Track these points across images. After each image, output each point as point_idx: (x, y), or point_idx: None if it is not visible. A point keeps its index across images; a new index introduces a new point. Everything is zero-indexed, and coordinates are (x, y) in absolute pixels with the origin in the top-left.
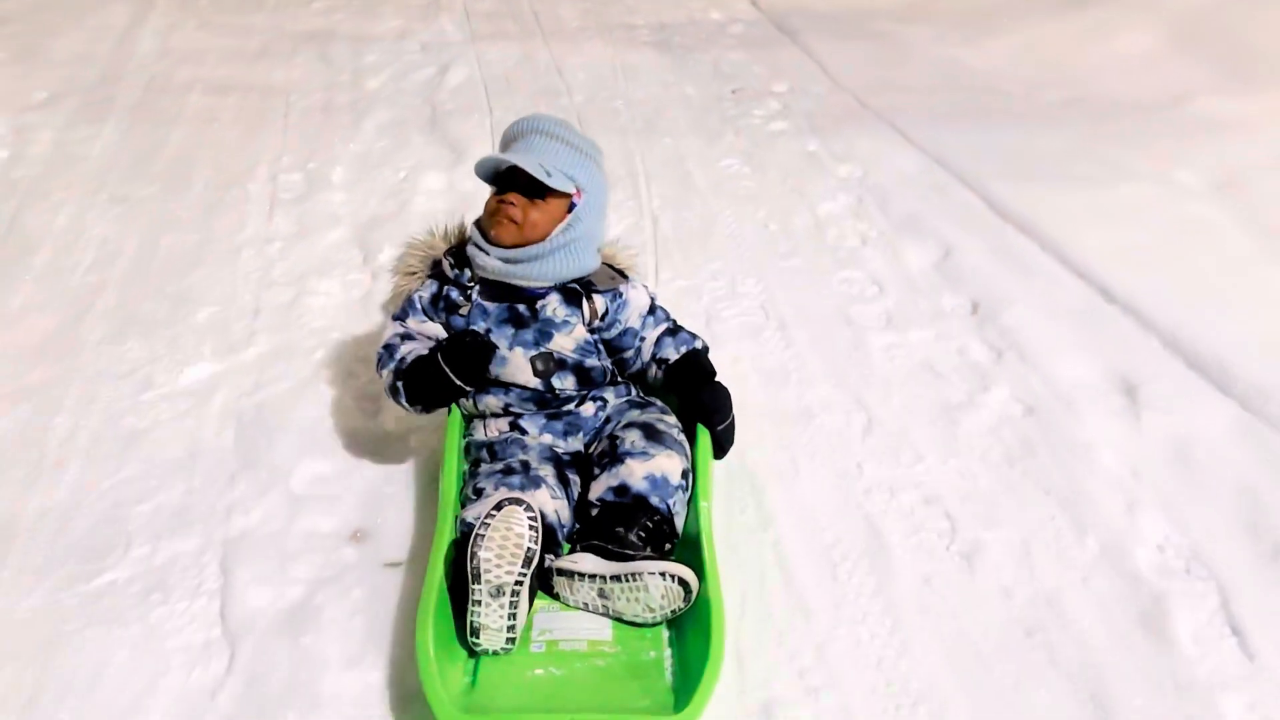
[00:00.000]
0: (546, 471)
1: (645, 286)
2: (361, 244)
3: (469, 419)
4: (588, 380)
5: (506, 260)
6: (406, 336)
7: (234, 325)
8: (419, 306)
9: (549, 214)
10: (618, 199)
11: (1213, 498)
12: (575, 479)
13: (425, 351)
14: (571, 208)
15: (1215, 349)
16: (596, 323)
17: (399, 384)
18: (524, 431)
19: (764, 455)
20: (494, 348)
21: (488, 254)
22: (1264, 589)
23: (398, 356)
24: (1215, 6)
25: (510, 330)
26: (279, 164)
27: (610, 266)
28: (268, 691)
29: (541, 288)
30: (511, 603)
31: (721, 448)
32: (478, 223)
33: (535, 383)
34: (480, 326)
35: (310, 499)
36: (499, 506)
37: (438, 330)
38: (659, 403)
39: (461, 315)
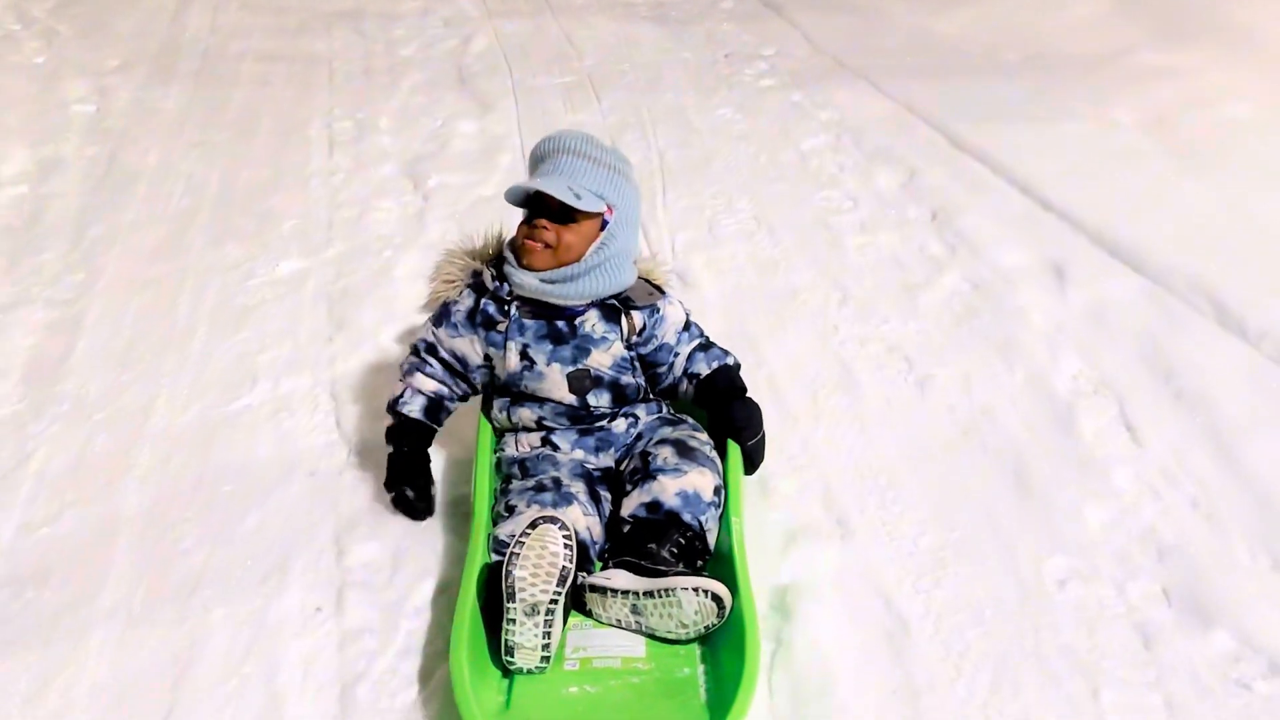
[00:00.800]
0: (578, 488)
1: (680, 303)
2: (410, 175)
3: (500, 433)
4: (622, 397)
5: (544, 280)
6: (430, 351)
7: (313, 233)
8: (454, 319)
9: (582, 234)
10: (629, 140)
11: (1119, 343)
12: (606, 495)
13: (432, 391)
14: (604, 225)
15: (1133, 241)
16: (634, 338)
17: (388, 427)
18: (556, 447)
19: (758, 321)
20: (424, 513)
21: (524, 276)
22: (1155, 402)
23: (410, 391)
24: None
25: (549, 346)
26: (331, 115)
27: (646, 281)
28: (381, 470)
29: (580, 305)
30: (546, 621)
31: (753, 463)
32: (511, 243)
33: (570, 399)
34: (518, 342)
35: (392, 349)
36: (533, 525)
37: (466, 347)
38: (690, 420)
39: (499, 331)
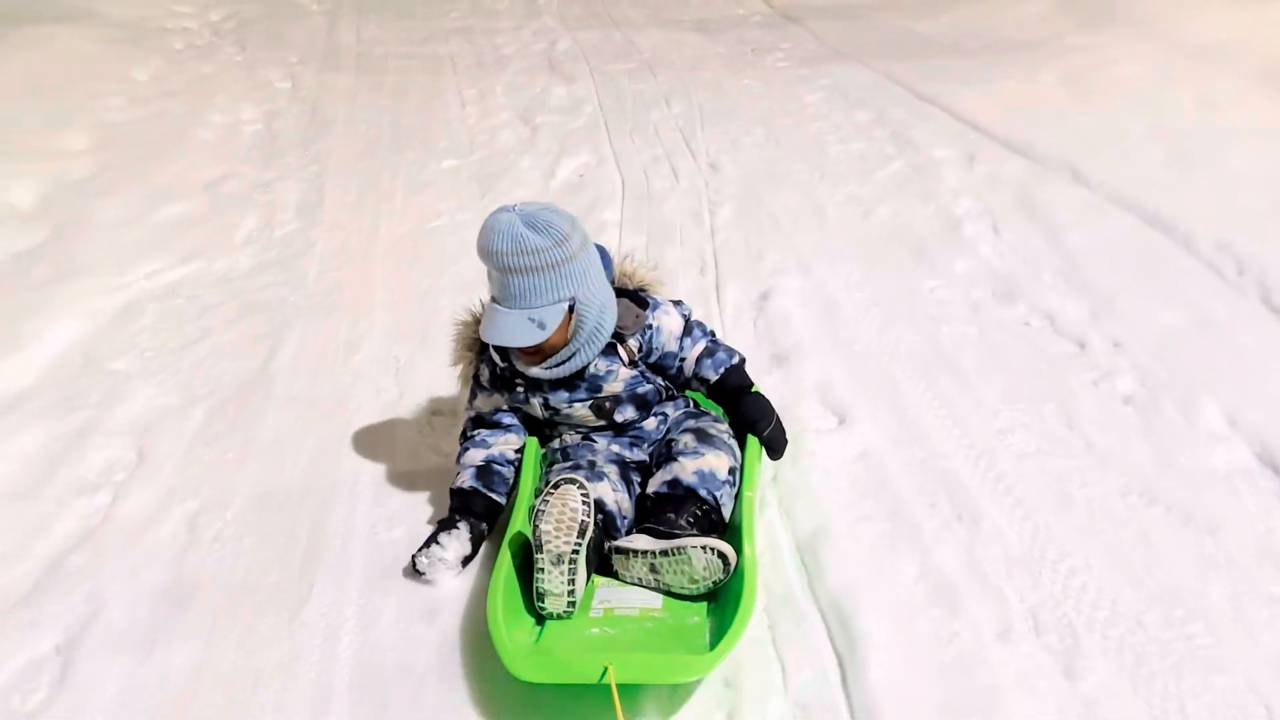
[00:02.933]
0: (611, 470)
1: (674, 305)
2: (522, 118)
3: (546, 440)
4: (645, 404)
5: (544, 370)
6: (475, 420)
7: (461, 147)
8: (484, 384)
9: (559, 330)
10: (675, 101)
11: (1000, 192)
12: (638, 480)
13: (481, 460)
14: (572, 308)
15: (1027, 141)
16: (634, 358)
17: (452, 488)
18: (594, 440)
19: (763, 186)
20: (471, 546)
21: (523, 364)
22: (1016, 219)
23: (466, 458)
24: None
25: (564, 393)
26: (459, 88)
27: (630, 295)
28: None
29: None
30: (570, 569)
31: (775, 449)
32: None
33: (600, 423)
34: (538, 397)
35: (522, 196)
36: (555, 485)
37: (502, 402)
38: (712, 413)
39: (519, 388)
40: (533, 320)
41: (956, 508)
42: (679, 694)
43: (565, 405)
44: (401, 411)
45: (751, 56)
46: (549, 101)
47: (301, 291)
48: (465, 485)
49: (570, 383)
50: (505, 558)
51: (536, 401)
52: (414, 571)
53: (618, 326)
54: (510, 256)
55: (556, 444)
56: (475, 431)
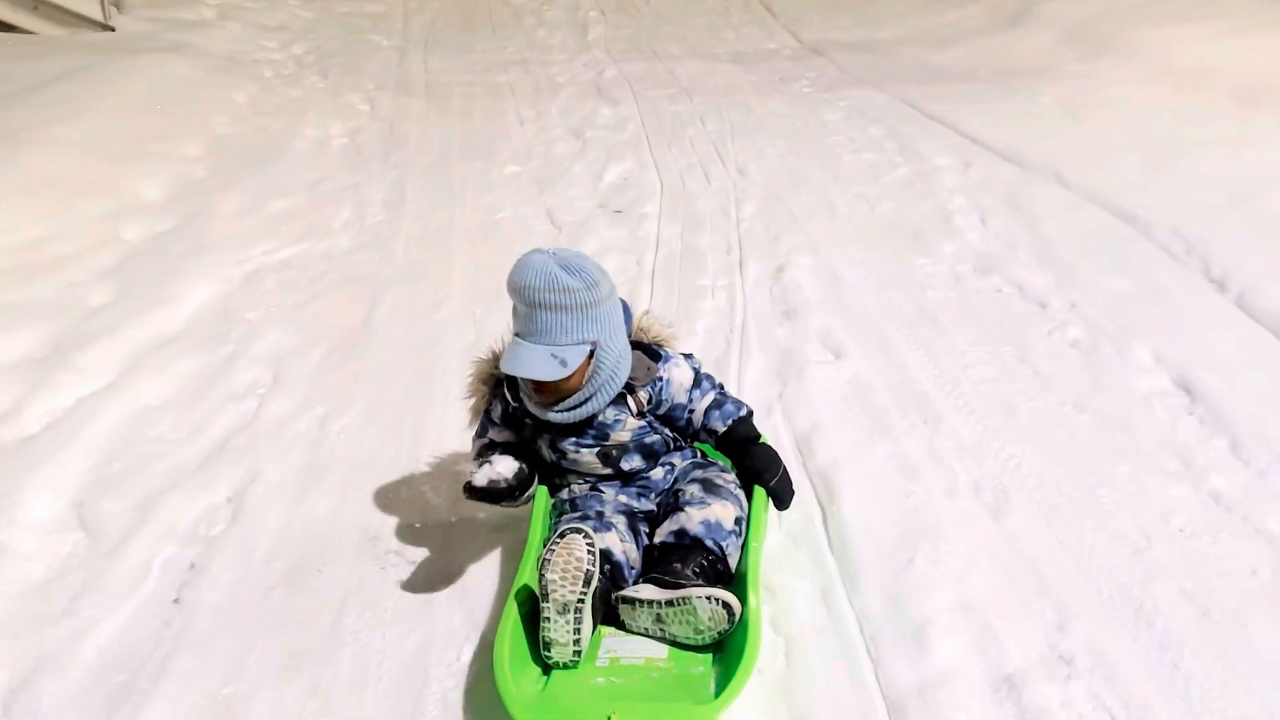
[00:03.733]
0: (619, 520)
1: (686, 358)
2: (574, 133)
3: (555, 489)
4: (652, 454)
5: (557, 413)
6: (488, 448)
7: (520, 156)
8: (495, 419)
9: (577, 371)
10: (709, 119)
11: (991, 193)
12: (645, 530)
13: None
14: (593, 353)
15: (1022, 153)
16: (644, 409)
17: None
18: (603, 491)
19: (782, 186)
20: (506, 488)
21: (536, 406)
22: (1002, 212)
23: (477, 473)
24: (1092, 18)
25: (572, 439)
26: (518, 109)
27: (644, 348)
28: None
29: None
30: (576, 619)
31: (781, 500)
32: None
33: (606, 471)
34: (546, 439)
35: (575, 196)
36: (561, 535)
37: (511, 436)
38: (719, 463)
39: (528, 429)
40: (555, 357)
41: (923, 414)
42: None
43: (572, 450)
44: (480, 351)
45: (779, 84)
46: (597, 120)
47: (392, 266)
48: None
49: (578, 429)
50: (512, 607)
51: (544, 444)
52: (472, 491)
53: (630, 378)
54: (541, 292)
55: (565, 494)
56: (486, 455)
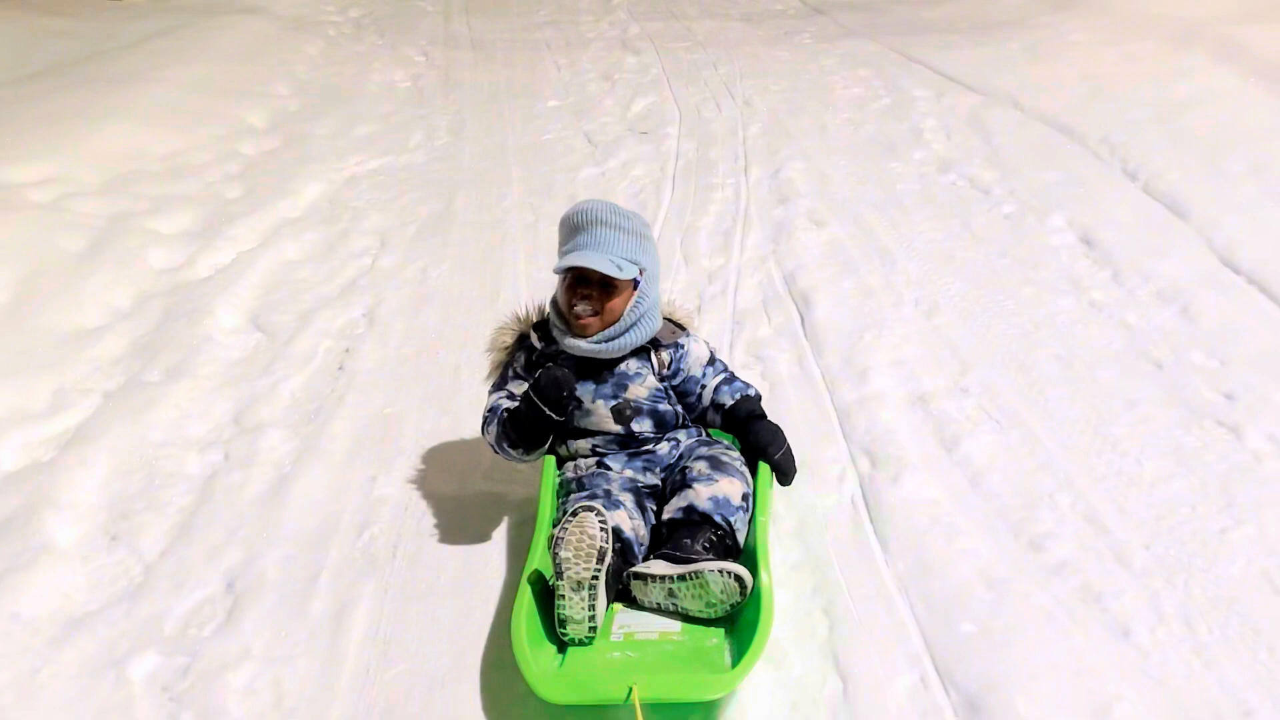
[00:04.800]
0: (626, 498)
1: (705, 341)
2: (604, 77)
3: (561, 462)
4: (662, 423)
5: (593, 342)
6: (506, 398)
7: (559, 94)
8: (518, 371)
9: (621, 297)
10: (721, 67)
11: (957, 116)
12: (652, 507)
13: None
14: (636, 284)
15: (985, 83)
16: (664, 372)
17: (503, 431)
18: (608, 467)
19: (785, 112)
20: (572, 380)
21: (573, 338)
22: (967, 133)
23: (499, 413)
24: None
25: (591, 386)
26: (554, 59)
27: (670, 321)
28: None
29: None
30: (590, 595)
31: (784, 474)
32: (556, 309)
33: (617, 428)
34: (566, 370)
35: (606, 119)
36: (574, 514)
37: None
38: (724, 442)
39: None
40: (613, 261)
41: (882, 260)
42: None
43: (589, 399)
44: (539, 230)
45: (784, 37)
46: (623, 66)
47: (461, 173)
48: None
49: (599, 375)
50: (526, 585)
51: (566, 371)
52: (542, 383)
53: (657, 338)
54: (603, 213)
55: (571, 473)
56: (503, 405)
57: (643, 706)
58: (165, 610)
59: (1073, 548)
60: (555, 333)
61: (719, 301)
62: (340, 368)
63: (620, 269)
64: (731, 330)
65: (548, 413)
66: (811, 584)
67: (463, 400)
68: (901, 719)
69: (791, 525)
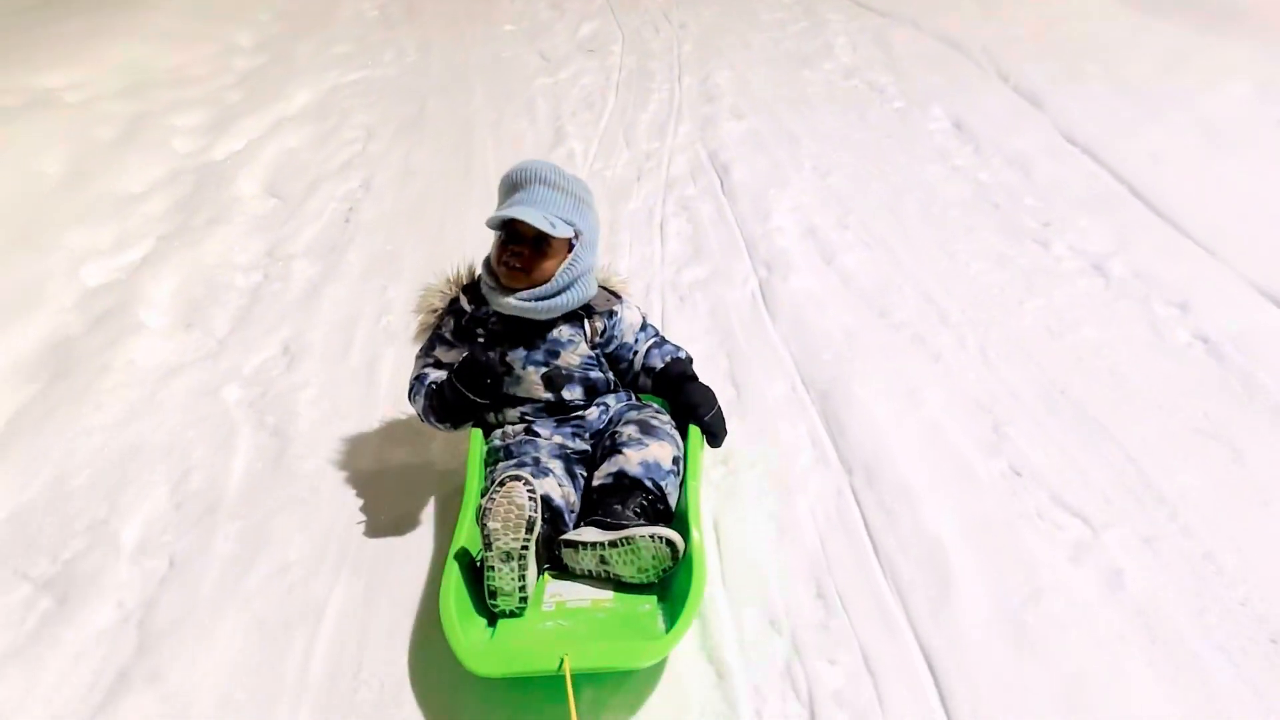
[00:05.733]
0: (555, 465)
1: (637, 307)
2: (553, 6)
3: (489, 429)
4: (593, 390)
5: (522, 299)
6: (433, 367)
7: (513, 20)
8: (445, 335)
9: (553, 257)
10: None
11: (864, 34)
12: (582, 473)
13: (444, 376)
14: (571, 248)
15: (889, 10)
16: (597, 339)
17: (429, 405)
18: (536, 434)
19: (715, 35)
20: (497, 367)
21: (504, 296)
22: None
23: (426, 385)
24: None
25: (522, 352)
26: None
27: (605, 289)
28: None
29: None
30: (520, 565)
31: (715, 436)
32: (488, 268)
33: (547, 395)
34: (496, 351)
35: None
36: (501, 483)
37: (460, 356)
38: (654, 405)
39: (480, 342)
40: (547, 219)
41: (790, 143)
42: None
43: (520, 365)
44: (502, 125)
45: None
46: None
47: (430, 84)
48: (443, 378)
49: (531, 341)
50: (453, 559)
51: (494, 356)
52: (468, 364)
53: (592, 304)
54: (544, 171)
55: (499, 440)
56: (432, 373)
57: (576, 675)
58: (240, 363)
59: (908, 313)
60: (485, 290)
61: (655, 173)
62: (346, 220)
63: (554, 226)
64: (664, 190)
65: (472, 398)
66: (719, 341)
67: (446, 242)
68: (776, 408)
69: (706, 310)
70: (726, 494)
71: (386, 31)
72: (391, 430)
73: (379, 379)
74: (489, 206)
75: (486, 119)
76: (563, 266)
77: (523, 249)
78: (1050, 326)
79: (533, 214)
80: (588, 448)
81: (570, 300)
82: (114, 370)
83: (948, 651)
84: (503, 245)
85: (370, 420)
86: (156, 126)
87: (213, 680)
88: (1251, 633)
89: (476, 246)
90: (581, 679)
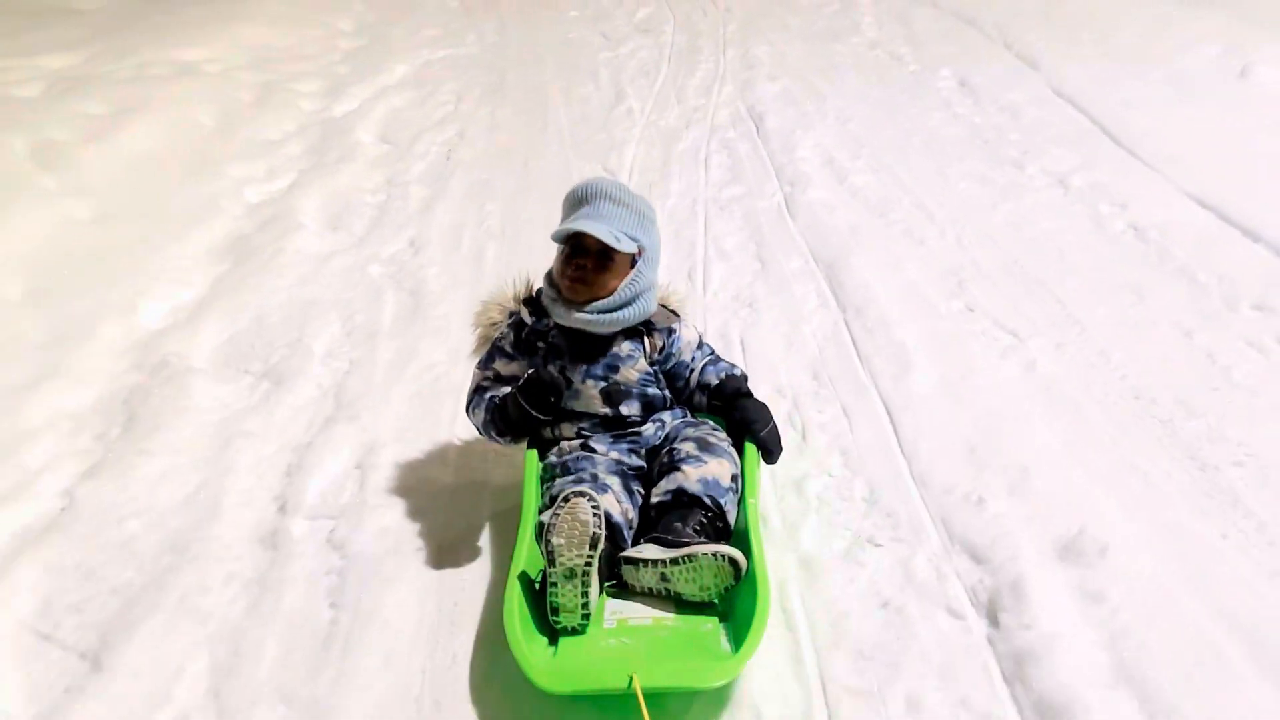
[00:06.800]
0: (613, 481)
1: (694, 326)
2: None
3: (544, 444)
4: (650, 406)
5: (584, 313)
6: (493, 380)
7: (578, 6)
8: (505, 349)
9: (616, 272)
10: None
11: (890, 12)
12: (639, 489)
13: (507, 391)
14: (634, 264)
15: (967, 9)
16: (655, 356)
17: (489, 419)
18: (593, 450)
19: (757, 17)
20: (562, 385)
21: (567, 309)
22: (892, 23)
23: (487, 399)
24: None
25: (583, 366)
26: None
27: (664, 307)
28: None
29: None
30: (584, 582)
31: (770, 452)
32: (550, 282)
33: (605, 410)
34: (556, 365)
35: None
36: (565, 499)
37: (521, 369)
38: (710, 422)
39: (539, 356)
40: (612, 234)
41: (816, 99)
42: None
43: (579, 379)
44: (570, 92)
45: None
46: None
47: (508, 60)
48: (505, 392)
49: (591, 356)
50: (516, 575)
51: (554, 370)
52: (532, 383)
53: (651, 321)
54: (609, 188)
55: (555, 457)
56: (492, 387)
57: (644, 694)
58: (379, 251)
59: (902, 215)
60: (548, 303)
61: (701, 122)
62: (447, 158)
63: (618, 241)
64: (709, 134)
65: (534, 414)
66: (750, 234)
67: (529, 175)
68: (792, 275)
69: (741, 215)
70: (751, 324)
71: (467, 18)
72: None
73: (485, 263)
74: (563, 151)
75: (558, 86)
76: (625, 281)
77: (586, 262)
78: (1015, 223)
79: (599, 228)
80: (643, 464)
81: (632, 315)
82: (285, 254)
83: (901, 404)
84: (566, 258)
85: (483, 282)
86: (284, 91)
87: (390, 423)
88: (1122, 392)
89: (554, 182)
90: (649, 697)
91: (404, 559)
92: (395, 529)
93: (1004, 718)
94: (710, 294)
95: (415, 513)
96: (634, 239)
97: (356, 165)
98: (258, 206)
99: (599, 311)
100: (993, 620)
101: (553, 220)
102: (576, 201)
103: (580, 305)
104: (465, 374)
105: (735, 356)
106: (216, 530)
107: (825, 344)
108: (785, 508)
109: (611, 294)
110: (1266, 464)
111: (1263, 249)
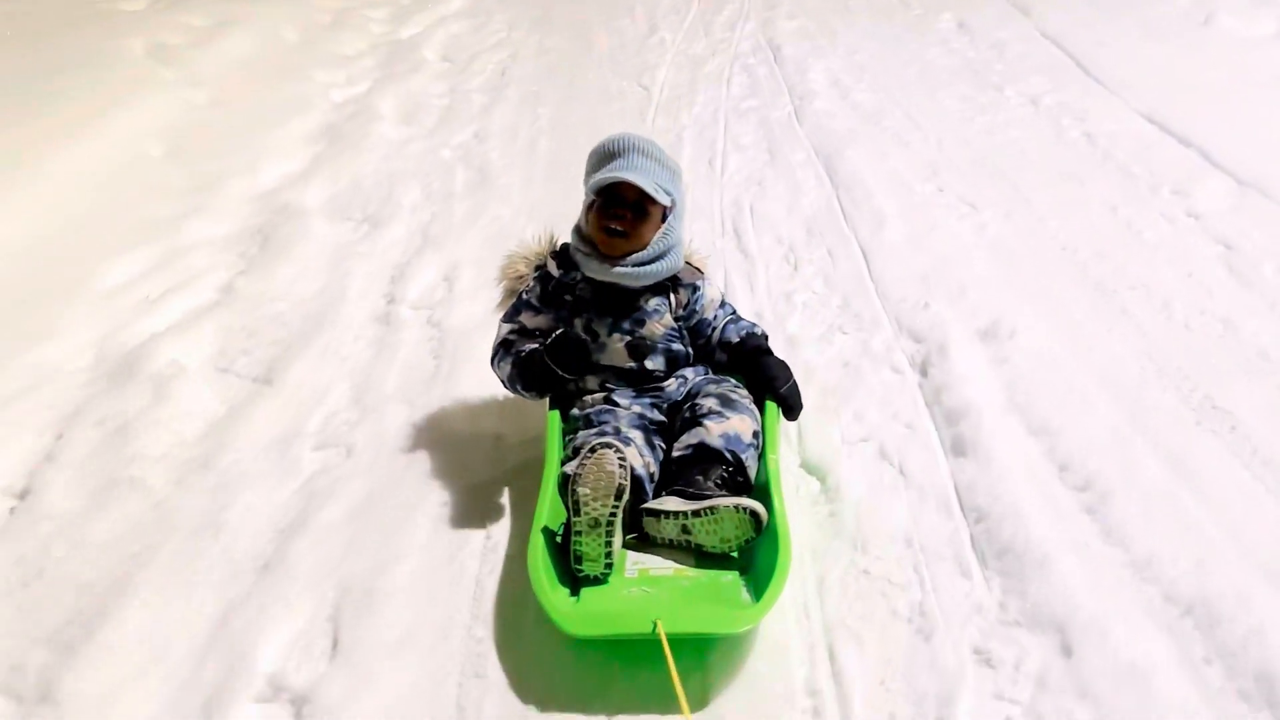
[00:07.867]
0: (636, 435)
1: (716, 285)
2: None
3: (568, 397)
4: (674, 362)
5: (618, 266)
6: (518, 333)
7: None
8: (532, 301)
9: (650, 224)
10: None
11: None
12: (661, 444)
13: (533, 347)
14: (664, 217)
15: None
16: (680, 311)
17: (515, 373)
18: (616, 403)
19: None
20: (587, 344)
21: (600, 263)
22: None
23: (512, 353)
24: None
25: (609, 319)
26: None
27: (688, 264)
28: None
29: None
30: (608, 532)
31: (791, 409)
32: (579, 234)
33: (630, 364)
34: (583, 318)
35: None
36: (592, 450)
37: (545, 323)
38: (732, 379)
39: (567, 305)
40: (652, 184)
41: (830, 35)
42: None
43: (606, 334)
44: (611, 25)
45: None
46: None
47: (553, 22)
48: (531, 347)
49: (619, 310)
50: (539, 525)
51: (580, 323)
52: (561, 341)
53: (678, 276)
54: (643, 143)
55: (577, 410)
56: (517, 341)
57: (668, 639)
58: (448, 140)
59: (893, 123)
60: (579, 257)
61: (725, 50)
62: (502, 74)
63: (657, 191)
64: (732, 60)
65: (560, 373)
66: (763, 135)
67: (574, 87)
68: (795, 164)
69: (756, 121)
70: (759, 196)
71: None
72: (550, 172)
73: (538, 152)
74: (605, 72)
75: (598, 19)
76: (659, 235)
77: (624, 212)
78: (988, 131)
79: (639, 178)
80: (665, 419)
81: (663, 269)
82: (370, 138)
83: (875, 248)
84: (601, 210)
85: (538, 166)
86: (356, 15)
87: (468, 252)
88: (1051, 246)
89: (595, 95)
90: (672, 643)
91: (484, 332)
92: (477, 315)
93: (921, 422)
94: (727, 176)
95: (489, 308)
96: (668, 192)
97: (423, 76)
98: (342, 104)
99: (634, 264)
100: (923, 373)
101: (596, 122)
102: (608, 155)
103: (616, 259)
104: (524, 226)
105: (745, 221)
106: (344, 311)
107: (819, 210)
108: (777, 310)
109: (644, 247)
110: (1154, 292)
111: (1193, 153)
